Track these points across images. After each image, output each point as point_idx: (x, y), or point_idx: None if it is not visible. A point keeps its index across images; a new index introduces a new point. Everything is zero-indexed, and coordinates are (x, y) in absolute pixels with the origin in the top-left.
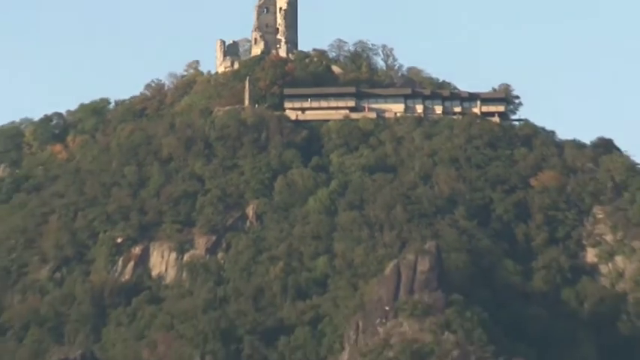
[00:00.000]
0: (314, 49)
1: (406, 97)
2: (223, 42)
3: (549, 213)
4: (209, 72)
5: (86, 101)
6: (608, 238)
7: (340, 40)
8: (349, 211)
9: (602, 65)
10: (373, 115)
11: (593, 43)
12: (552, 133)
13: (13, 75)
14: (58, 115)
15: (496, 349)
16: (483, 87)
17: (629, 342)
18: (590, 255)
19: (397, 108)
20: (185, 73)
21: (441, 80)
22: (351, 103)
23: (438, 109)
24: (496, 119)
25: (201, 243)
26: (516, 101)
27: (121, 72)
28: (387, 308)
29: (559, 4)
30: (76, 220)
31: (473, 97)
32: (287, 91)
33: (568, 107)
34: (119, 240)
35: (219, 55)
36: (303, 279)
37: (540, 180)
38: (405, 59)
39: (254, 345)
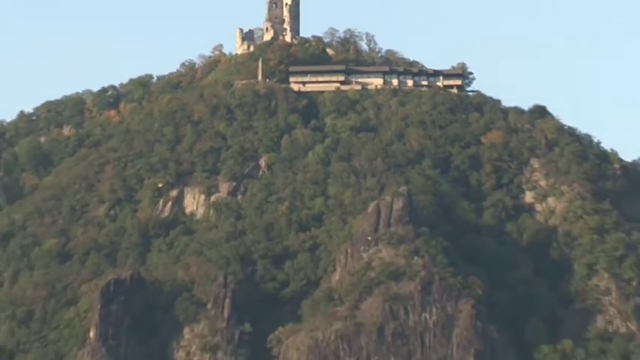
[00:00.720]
0: (312, 36)
1: (384, 73)
2: (242, 30)
3: (496, 164)
4: (230, 53)
5: (134, 76)
6: (542, 183)
7: (332, 29)
8: (340, 162)
9: (541, 45)
10: (359, 87)
11: (532, 27)
12: (498, 101)
13: (77, 54)
14: (113, 87)
15: (455, 270)
16: (445, 65)
17: (558, 265)
18: (528, 197)
19: (377, 82)
20: (212, 55)
21: (411, 60)
22: (341, 78)
23: (410, 83)
24: (454, 91)
25: (224, 187)
26: (470, 76)
27: (161, 53)
28: (369, 238)
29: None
30: (126, 169)
31: (437, 74)
32: (291, 68)
33: (511, 80)
34: (160, 185)
35: (239, 40)
36: (303, 215)
37: (489, 138)
38: (384, 43)
39: (266, 267)
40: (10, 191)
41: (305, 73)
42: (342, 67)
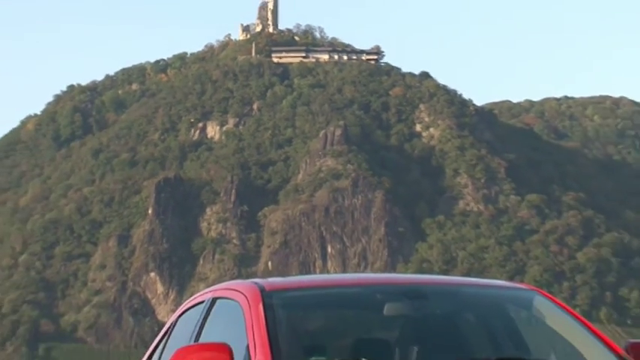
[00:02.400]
0: (286, 28)
1: (329, 51)
2: (242, 24)
3: (399, 107)
4: (235, 39)
5: (176, 52)
6: (426, 119)
7: (298, 24)
8: (302, 107)
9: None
10: (314, 60)
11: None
12: (399, 69)
13: (143, 35)
14: (163, 59)
15: (372, 173)
16: (367, 46)
17: (436, 170)
18: (418, 127)
19: (325, 57)
20: (224, 40)
21: (346, 43)
22: (303, 54)
23: (345, 58)
24: (373, 62)
25: (231, 122)
26: (382, 53)
27: (192, 38)
28: (320, 153)
29: None
30: (171, 110)
31: (362, 52)
32: (273, 48)
33: (406, 55)
34: (192, 120)
35: (241, 31)
36: (280, 139)
37: (394, 92)
38: (330, 33)
39: (257, 171)
40: (99, 124)
41: (281, 51)
42: (303, 48)
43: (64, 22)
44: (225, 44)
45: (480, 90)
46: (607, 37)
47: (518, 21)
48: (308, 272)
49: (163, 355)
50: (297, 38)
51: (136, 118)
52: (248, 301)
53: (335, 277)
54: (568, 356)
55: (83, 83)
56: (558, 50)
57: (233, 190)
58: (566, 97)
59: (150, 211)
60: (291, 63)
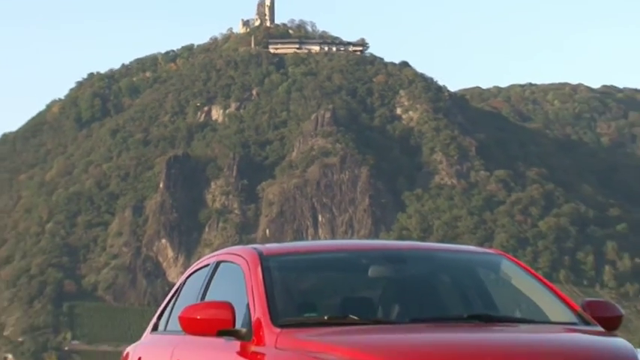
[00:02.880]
0: (282, 23)
1: (320, 43)
2: (243, 19)
3: (381, 93)
4: (237, 32)
5: (184, 44)
6: (406, 103)
7: (292, 18)
8: (296, 92)
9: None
10: (306, 51)
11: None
12: (382, 58)
13: (155, 28)
14: (172, 50)
15: (358, 151)
16: (354, 38)
17: (414, 148)
18: (399, 111)
19: (315, 48)
20: (227, 33)
21: (335, 36)
22: (297, 46)
23: (334, 49)
24: (358, 53)
25: (233, 105)
26: (367, 45)
27: (199, 31)
28: (312, 134)
29: None
30: (180, 96)
31: (349, 44)
32: (270, 40)
33: (387, 46)
34: (198, 104)
35: (241, 25)
36: (276, 121)
37: (377, 79)
38: (321, 27)
39: (256, 149)
40: (116, 107)
41: (277, 43)
42: (297, 40)
43: (85, 17)
44: (228, 37)
45: (454, 77)
46: (566, 29)
47: (487, 14)
48: (301, 239)
49: (173, 312)
50: (291, 32)
51: (149, 102)
52: (248, 264)
53: (325, 243)
54: (531, 312)
55: (102, 71)
56: (523, 40)
57: (235, 166)
58: (530, 84)
59: (161, 185)
60: (286, 53)
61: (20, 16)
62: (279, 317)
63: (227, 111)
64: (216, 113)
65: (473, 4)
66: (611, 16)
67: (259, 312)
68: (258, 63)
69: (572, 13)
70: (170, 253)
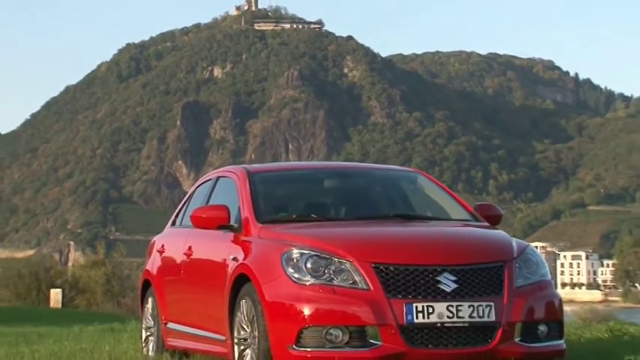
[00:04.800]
0: (263, 8)
1: (290, 23)
2: (236, 5)
3: (335, 60)
4: (231, 15)
5: (193, 23)
6: (350, 65)
7: (271, 4)
8: (274, 58)
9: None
10: (280, 28)
11: None
12: (333, 33)
13: (170, 7)
14: (185, 27)
15: (317, 98)
16: (314, 18)
17: (357, 99)
18: (350, 77)
19: (287, 26)
20: (223, 15)
21: (300, 17)
22: (275, 24)
23: (300, 27)
24: (317, 29)
25: (228, 67)
26: (323, 23)
27: (203, 13)
28: (284, 86)
29: None
30: (189, 63)
31: (313, 23)
32: (255, 20)
33: (339, 22)
34: (204, 66)
35: (234, 9)
36: (259, 77)
37: (330, 49)
38: (292, 11)
39: (245, 97)
40: (146, 67)
41: (260, 22)
42: (274, 20)
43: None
44: (225, 17)
45: (384, 46)
46: (463, 11)
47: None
48: (277, 161)
49: (186, 212)
50: (270, 14)
51: (169, 64)
52: (239, 178)
53: (294, 164)
54: (438, 212)
55: (135, 42)
56: (433, 19)
57: (230, 109)
58: (438, 52)
59: (177, 122)
60: (266, 30)
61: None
62: (261, 216)
63: (224, 70)
64: (217, 72)
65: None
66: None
67: (247, 212)
68: (246, 36)
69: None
70: (184, 170)
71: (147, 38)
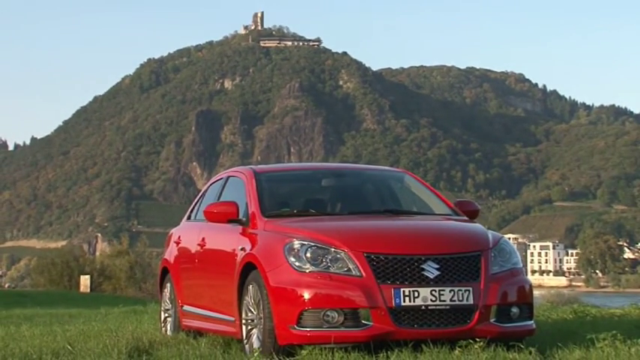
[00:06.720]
0: (268, 27)
1: (292, 40)
2: (244, 25)
3: (331, 73)
4: (240, 33)
5: (207, 40)
6: (345, 77)
7: (275, 24)
8: (278, 71)
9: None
10: (283, 45)
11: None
12: (330, 50)
13: (189, 25)
14: (199, 44)
15: (316, 107)
16: (313, 36)
17: (351, 106)
18: (343, 86)
19: (289, 43)
20: (233, 34)
21: (301, 35)
22: (278, 41)
23: (301, 44)
24: (316, 47)
25: (237, 78)
26: (321, 40)
27: (214, 31)
28: (286, 96)
29: None
30: (204, 73)
31: (312, 41)
32: (261, 38)
33: (338, 40)
34: (215, 78)
35: (243, 28)
36: (266, 87)
37: (327, 64)
38: (293, 29)
39: (252, 104)
40: (164, 80)
41: (265, 40)
42: (277, 38)
43: (147, 19)
44: (234, 36)
45: (375, 61)
46: (445, 28)
47: (403, 17)
48: (280, 162)
49: (200, 207)
50: (274, 32)
51: (185, 77)
52: (247, 178)
53: (295, 165)
54: (423, 207)
55: (155, 57)
56: (418, 37)
57: (239, 117)
58: (422, 66)
59: (193, 128)
60: (270, 47)
61: (105, 7)
62: (266, 211)
63: (234, 82)
64: (227, 84)
65: (392, 12)
66: (466, 14)
67: (253, 208)
68: (253, 52)
69: (447, 14)
70: (198, 171)
71: (165, 54)
